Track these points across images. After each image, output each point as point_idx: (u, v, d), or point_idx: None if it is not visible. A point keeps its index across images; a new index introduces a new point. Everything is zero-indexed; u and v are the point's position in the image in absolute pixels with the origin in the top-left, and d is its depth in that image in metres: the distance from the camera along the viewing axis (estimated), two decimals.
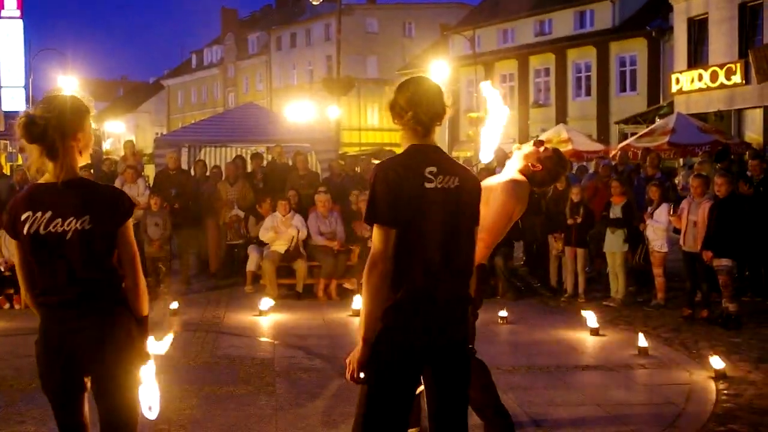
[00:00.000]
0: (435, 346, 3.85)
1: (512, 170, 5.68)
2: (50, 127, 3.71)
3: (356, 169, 17.29)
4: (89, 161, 4.02)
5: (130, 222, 3.88)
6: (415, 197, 3.77)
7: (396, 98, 3.97)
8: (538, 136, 32.46)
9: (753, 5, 28.74)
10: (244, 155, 18.62)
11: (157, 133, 79.88)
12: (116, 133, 72.26)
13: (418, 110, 3.90)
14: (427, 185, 3.80)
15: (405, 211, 3.75)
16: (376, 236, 3.77)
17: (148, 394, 3.92)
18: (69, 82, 36.16)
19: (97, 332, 3.75)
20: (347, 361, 3.86)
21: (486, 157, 5.53)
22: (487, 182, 5.47)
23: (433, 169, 3.84)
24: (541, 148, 5.74)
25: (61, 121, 3.74)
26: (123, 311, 3.84)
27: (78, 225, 3.70)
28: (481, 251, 5.06)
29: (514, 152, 5.78)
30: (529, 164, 5.65)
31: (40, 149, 3.74)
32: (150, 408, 3.94)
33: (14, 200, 3.85)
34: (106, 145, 63.04)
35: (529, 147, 5.81)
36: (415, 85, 3.98)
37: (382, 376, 3.82)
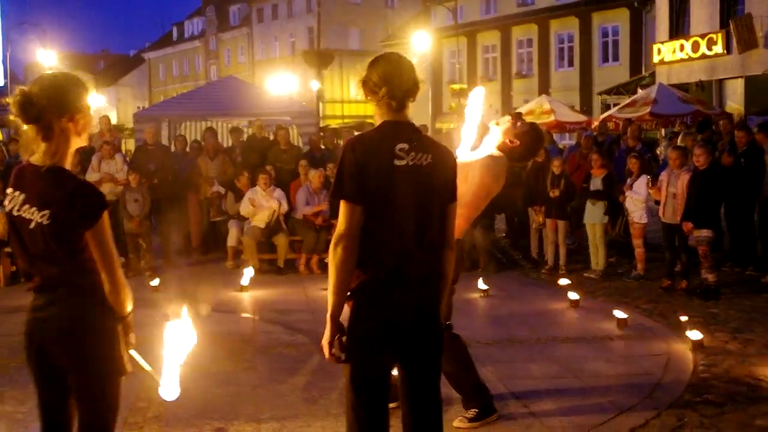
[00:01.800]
0: (408, 324, 3.84)
1: (490, 146, 5.69)
2: (47, 107, 3.57)
3: (336, 141, 17.23)
4: (87, 143, 3.89)
5: (102, 224, 3.63)
6: (383, 174, 3.76)
7: (368, 74, 3.94)
8: (516, 109, 32.46)
9: None
10: (220, 128, 18.52)
11: (138, 107, 79.57)
12: (97, 107, 71.76)
13: (391, 86, 3.88)
14: (397, 162, 3.78)
15: (372, 188, 3.74)
16: (342, 212, 3.76)
17: (163, 375, 3.86)
18: (48, 57, 35.99)
19: (61, 327, 3.64)
20: (321, 344, 3.86)
21: (463, 153, 5.53)
22: (465, 158, 5.47)
23: (405, 145, 3.82)
24: (518, 123, 5.73)
25: (58, 100, 3.60)
26: (93, 309, 3.68)
27: (39, 218, 3.58)
28: (460, 226, 5.06)
29: (492, 128, 5.78)
30: (507, 140, 5.65)
31: (36, 130, 3.61)
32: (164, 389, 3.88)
33: (13, 170, 3.77)
34: None
35: (506, 123, 5.81)
36: (387, 61, 3.96)
37: (359, 354, 3.83)
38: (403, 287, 3.82)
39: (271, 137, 16.49)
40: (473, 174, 5.39)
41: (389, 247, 3.79)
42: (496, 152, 5.61)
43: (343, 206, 3.76)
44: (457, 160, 5.38)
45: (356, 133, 4.09)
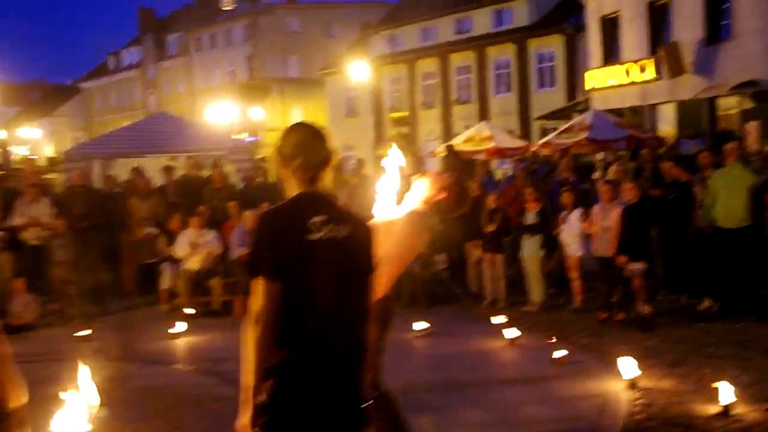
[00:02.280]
0: (331, 401, 3.70)
1: (414, 201, 5.61)
2: None
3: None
4: None
5: None
6: (299, 248, 3.64)
7: (282, 144, 3.84)
8: (457, 135, 32.59)
9: (661, 3, 29.32)
10: (153, 165, 18.26)
11: (76, 138, 78.47)
12: (32, 139, 70.66)
13: (305, 157, 3.79)
14: (313, 236, 3.66)
15: (289, 263, 3.61)
16: (258, 290, 3.60)
17: None
18: None
19: None
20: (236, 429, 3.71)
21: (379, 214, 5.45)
22: (388, 215, 5.40)
23: (320, 218, 3.70)
24: (443, 176, 5.67)
25: None
26: None
27: None
28: (383, 286, 5.01)
29: (415, 181, 5.70)
30: (432, 194, 5.58)
31: None
32: None
33: None
34: (22, 151, 61.64)
35: (430, 176, 5.73)
36: (302, 131, 3.88)
37: None
38: (325, 363, 3.69)
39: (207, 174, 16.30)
40: (397, 231, 5.30)
41: (309, 323, 3.66)
42: (420, 207, 5.53)
43: (258, 283, 3.60)
44: (380, 217, 5.33)
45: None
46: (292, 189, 3.84)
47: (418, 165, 17.63)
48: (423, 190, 5.53)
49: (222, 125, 46.56)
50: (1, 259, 13.04)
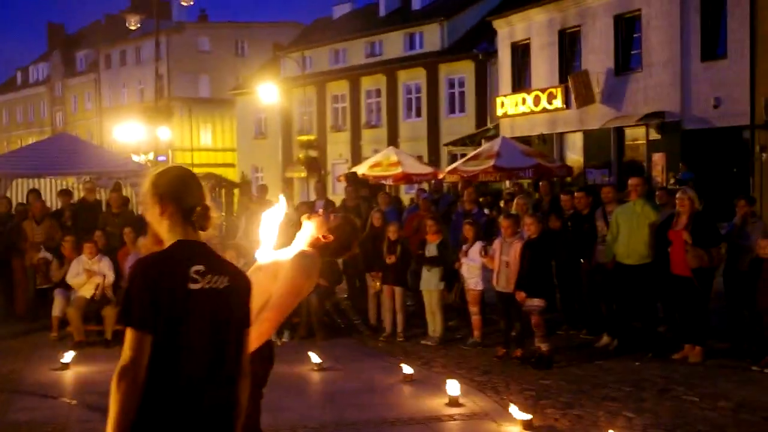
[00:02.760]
0: None
1: (302, 243, 5.38)
2: None
3: None
4: None
5: None
6: (177, 299, 3.41)
7: (155, 187, 3.62)
8: (366, 158, 32.50)
9: (572, 32, 29.72)
10: (50, 187, 17.75)
11: None
12: None
13: (182, 201, 3.58)
14: (192, 286, 3.46)
15: (165, 315, 3.38)
16: (128, 340, 3.36)
17: None
18: None
19: None
20: None
21: (263, 257, 5.22)
22: (276, 257, 5.17)
23: (200, 268, 3.50)
24: (331, 217, 5.44)
25: None
26: None
27: None
28: (267, 331, 4.81)
29: (304, 222, 5.47)
30: (320, 235, 5.34)
31: None
32: None
33: None
34: None
35: (318, 217, 5.52)
36: (175, 174, 3.67)
37: None
38: (194, 422, 3.48)
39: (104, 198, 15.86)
40: (283, 274, 5.06)
41: (181, 379, 3.44)
42: (308, 249, 5.30)
43: (130, 334, 3.37)
44: (266, 259, 5.10)
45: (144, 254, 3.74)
46: (166, 234, 3.62)
47: (322, 191, 17.46)
48: (310, 232, 5.32)
49: (129, 144, 45.81)
50: None
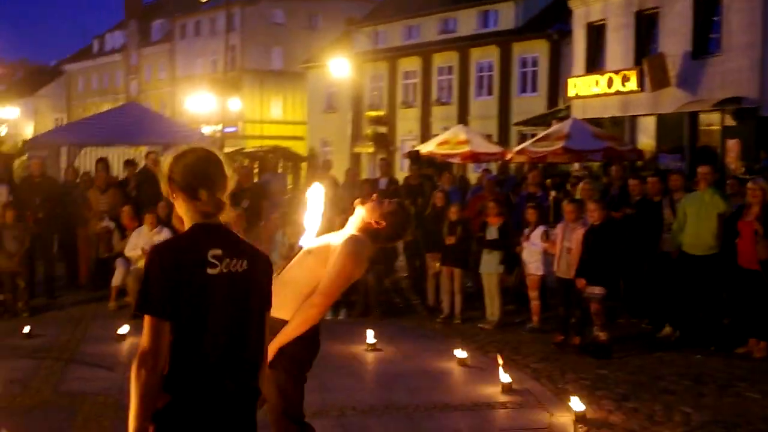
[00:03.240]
0: None
1: (353, 228, 5.26)
2: None
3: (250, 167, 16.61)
4: None
5: None
6: (195, 285, 3.38)
7: (174, 171, 3.54)
8: (435, 135, 32.29)
9: (649, 13, 29.00)
10: (117, 157, 17.90)
11: (56, 119, 77.95)
12: (11, 119, 70.04)
13: (202, 185, 3.49)
14: (210, 271, 3.41)
15: (183, 302, 3.35)
16: (147, 328, 3.33)
17: None
18: None
19: None
20: None
21: (313, 241, 5.12)
22: (327, 241, 5.07)
23: (218, 252, 3.45)
24: (384, 203, 5.31)
25: None
26: None
27: None
28: (314, 317, 4.78)
29: (357, 208, 5.36)
30: (372, 221, 5.22)
31: None
32: None
33: None
34: (1, 131, 61.05)
35: (371, 204, 5.39)
36: (197, 156, 3.58)
37: None
38: (216, 408, 3.44)
39: None
40: (334, 260, 4.95)
41: (201, 366, 3.40)
42: (359, 235, 5.18)
43: (148, 321, 3.33)
44: (315, 243, 5.01)
45: (165, 240, 3.68)
46: (187, 219, 3.55)
47: (386, 169, 17.32)
48: (362, 217, 5.21)
49: (200, 115, 46.14)
50: None
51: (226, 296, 3.46)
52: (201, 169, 3.53)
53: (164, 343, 3.34)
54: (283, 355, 4.71)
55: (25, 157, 20.29)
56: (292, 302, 4.77)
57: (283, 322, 4.72)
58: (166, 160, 3.58)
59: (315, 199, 5.13)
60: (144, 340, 3.33)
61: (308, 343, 4.86)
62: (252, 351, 3.59)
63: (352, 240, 5.04)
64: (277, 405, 4.74)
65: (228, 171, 3.59)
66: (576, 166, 25.48)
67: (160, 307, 3.33)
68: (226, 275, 3.45)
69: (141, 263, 12.41)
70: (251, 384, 3.61)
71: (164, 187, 3.58)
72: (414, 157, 18.49)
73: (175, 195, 3.55)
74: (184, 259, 3.39)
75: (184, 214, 3.56)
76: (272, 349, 4.57)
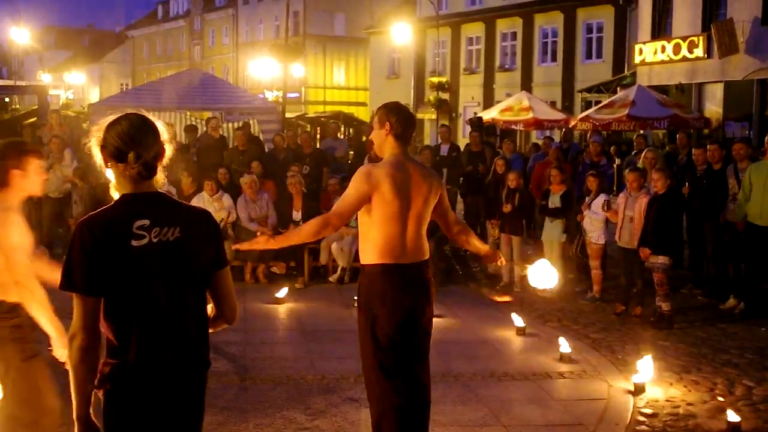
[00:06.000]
0: (165, 412, 3.48)
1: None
2: None
3: (297, 141, 16.60)
4: None
5: None
6: (120, 259, 3.33)
7: (106, 137, 3.46)
8: (497, 102, 32.04)
9: None
10: (178, 121, 18.01)
11: (122, 85, 78.81)
12: (78, 84, 70.97)
13: (135, 151, 3.42)
14: (135, 243, 3.35)
15: (109, 276, 3.32)
16: (75, 307, 3.35)
17: None
18: (21, 34, 34.98)
19: None
20: None
21: None
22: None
23: (145, 222, 3.39)
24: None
25: None
26: None
27: None
28: (322, 230, 5.18)
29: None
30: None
31: None
32: None
33: None
34: (68, 95, 61.91)
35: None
36: (129, 123, 3.48)
37: None
38: (162, 378, 3.44)
39: (232, 135, 15.99)
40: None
41: (140, 337, 3.38)
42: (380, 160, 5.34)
43: (75, 300, 3.34)
44: None
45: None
46: (119, 189, 3.49)
47: (447, 135, 17.19)
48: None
49: (263, 80, 46.25)
50: None
51: (158, 266, 3.40)
52: (131, 134, 3.43)
53: (94, 320, 3.34)
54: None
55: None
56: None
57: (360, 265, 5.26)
58: (99, 129, 3.49)
59: None
60: (74, 318, 3.35)
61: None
62: (193, 320, 3.54)
63: (361, 167, 5.27)
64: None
65: (164, 138, 3.53)
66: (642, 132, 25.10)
67: (81, 284, 3.31)
68: (156, 245, 3.39)
69: None
70: (195, 354, 3.56)
71: (99, 157, 3.50)
72: (476, 123, 18.32)
73: (109, 164, 3.48)
74: (107, 233, 3.33)
75: (117, 184, 3.49)
76: (281, 240, 5.30)
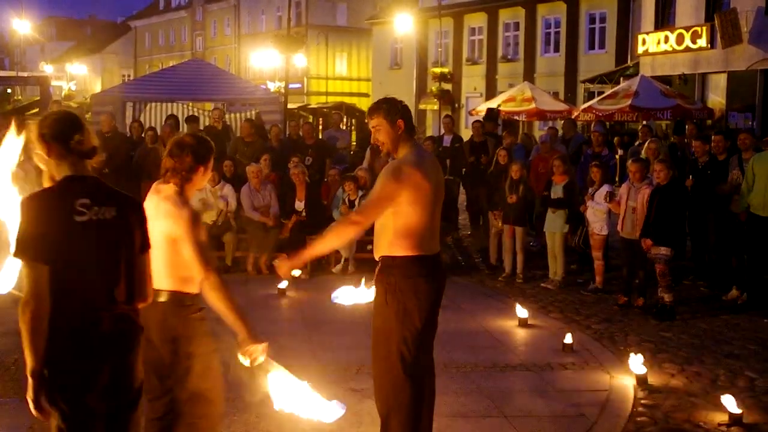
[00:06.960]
0: (100, 385, 3.79)
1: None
2: None
3: (299, 132, 16.58)
4: None
5: None
6: (65, 231, 3.72)
7: (43, 127, 3.85)
8: (500, 93, 31.97)
9: None
10: (180, 112, 18.01)
11: (124, 76, 78.79)
12: (80, 75, 70.90)
13: (71, 139, 3.84)
14: (78, 218, 3.75)
15: (53, 246, 3.69)
16: (25, 274, 3.72)
17: None
18: (23, 25, 34.93)
19: None
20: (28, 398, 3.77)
21: None
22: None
23: (86, 201, 3.78)
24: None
25: None
26: None
27: None
28: (350, 233, 5.32)
29: None
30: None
31: None
32: None
33: None
34: (70, 86, 61.91)
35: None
36: (62, 115, 3.96)
37: (67, 406, 3.76)
38: (95, 344, 3.77)
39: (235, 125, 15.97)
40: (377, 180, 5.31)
41: (75, 305, 3.75)
42: (395, 161, 5.38)
43: (25, 267, 3.72)
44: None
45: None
46: (56, 172, 3.85)
47: (449, 126, 17.16)
48: None
49: (265, 71, 46.19)
50: None
51: (96, 241, 3.77)
52: (70, 119, 3.90)
53: (43, 287, 3.66)
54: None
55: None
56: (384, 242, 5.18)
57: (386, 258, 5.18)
58: (32, 128, 3.86)
59: None
60: (25, 284, 3.65)
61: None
62: (127, 292, 3.88)
63: (388, 165, 5.30)
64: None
65: (91, 128, 3.95)
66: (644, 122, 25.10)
67: (32, 252, 3.66)
68: (95, 222, 3.77)
69: (204, 217, 12.49)
70: (126, 319, 3.88)
71: (37, 152, 3.85)
72: (493, 116, 18.31)
73: (48, 149, 3.82)
74: (52, 208, 3.73)
75: (56, 169, 3.82)
76: (307, 255, 5.35)
